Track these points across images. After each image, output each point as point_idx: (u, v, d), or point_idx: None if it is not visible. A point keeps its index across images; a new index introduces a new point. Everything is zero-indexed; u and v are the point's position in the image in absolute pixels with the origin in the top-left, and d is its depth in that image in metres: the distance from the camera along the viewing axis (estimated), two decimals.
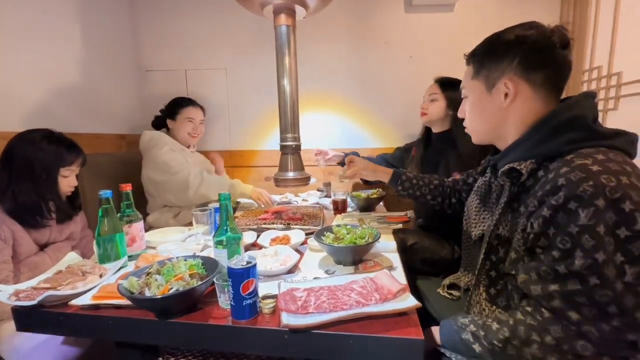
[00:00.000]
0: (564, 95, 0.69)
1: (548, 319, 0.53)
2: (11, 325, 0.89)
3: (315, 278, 0.79)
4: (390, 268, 0.85)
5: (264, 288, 0.74)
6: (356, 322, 0.62)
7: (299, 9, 1.19)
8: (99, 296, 0.70)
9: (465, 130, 0.79)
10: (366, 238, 0.89)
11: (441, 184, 1.07)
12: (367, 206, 1.49)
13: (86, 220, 1.28)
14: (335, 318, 0.61)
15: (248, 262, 0.64)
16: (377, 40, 1.94)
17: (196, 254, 0.83)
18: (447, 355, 0.71)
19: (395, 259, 0.93)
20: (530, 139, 0.63)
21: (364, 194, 1.55)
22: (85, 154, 1.13)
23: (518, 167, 0.62)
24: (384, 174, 1.10)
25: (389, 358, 0.59)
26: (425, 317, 0.98)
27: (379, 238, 0.90)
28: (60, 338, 0.89)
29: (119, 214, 0.94)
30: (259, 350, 0.64)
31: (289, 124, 1.23)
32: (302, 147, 1.38)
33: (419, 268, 1.23)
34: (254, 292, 0.64)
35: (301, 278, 0.81)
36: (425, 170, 1.36)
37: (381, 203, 1.60)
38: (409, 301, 0.66)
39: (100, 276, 0.80)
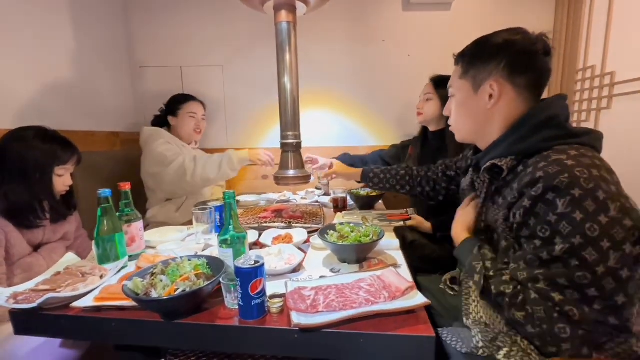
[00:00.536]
0: (555, 94, 0.72)
1: (534, 300, 0.56)
2: (7, 328, 0.87)
3: (321, 277, 0.78)
4: (396, 266, 0.85)
5: (270, 287, 0.73)
6: (365, 320, 0.62)
7: (299, 5, 1.18)
8: (102, 298, 0.69)
9: (450, 129, 0.81)
10: (371, 236, 0.89)
11: (408, 174, 1.15)
12: (367, 204, 1.49)
13: (80, 219, 1.25)
14: (346, 317, 0.61)
15: (256, 262, 0.63)
16: (375, 38, 1.94)
17: (200, 254, 0.82)
18: (451, 344, 0.72)
19: (399, 256, 0.93)
20: (510, 137, 0.67)
21: (363, 191, 1.55)
22: (80, 152, 1.10)
23: (499, 164, 0.66)
24: (356, 174, 1.23)
25: (401, 356, 0.59)
26: (428, 311, 0.99)
27: (383, 236, 0.90)
28: (58, 341, 0.87)
29: (117, 214, 0.92)
30: (268, 351, 0.64)
31: (290, 122, 1.22)
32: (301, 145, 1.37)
33: (418, 265, 1.24)
34: (263, 292, 0.64)
35: (307, 277, 0.80)
36: None
37: (380, 200, 1.60)
38: (418, 299, 0.66)
39: (101, 277, 0.78)
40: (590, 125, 1.67)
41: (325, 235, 0.92)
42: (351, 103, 2.01)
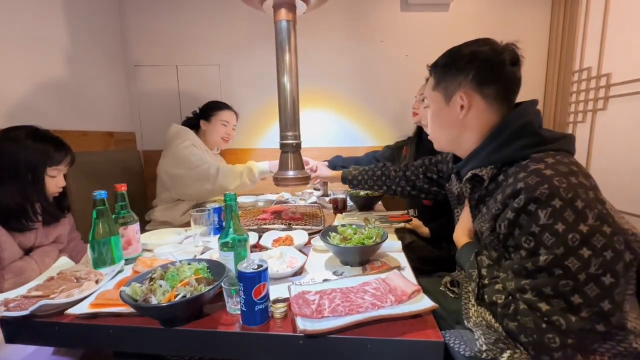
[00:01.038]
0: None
1: (523, 310, 0.57)
2: None
3: (324, 280, 0.77)
4: (399, 268, 0.84)
5: (273, 291, 0.71)
6: (371, 325, 0.61)
7: (299, 4, 1.16)
8: (98, 304, 0.66)
9: (429, 137, 0.83)
10: (374, 238, 0.88)
11: (384, 174, 1.15)
12: (366, 205, 1.48)
13: (73, 222, 1.21)
14: (352, 322, 0.59)
15: (259, 266, 0.61)
16: (373, 38, 1.93)
17: (198, 257, 0.80)
18: (454, 347, 0.71)
19: (402, 258, 0.92)
20: (488, 146, 0.68)
21: (363, 192, 1.53)
22: (73, 152, 1.07)
23: (480, 174, 0.68)
24: (336, 178, 1.28)
25: None
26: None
27: (387, 238, 0.89)
28: (51, 348, 0.84)
29: (113, 216, 0.89)
30: (271, 358, 0.61)
31: (289, 122, 1.20)
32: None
33: (417, 266, 1.23)
34: (266, 297, 0.62)
35: (309, 280, 0.78)
36: None
37: (380, 201, 1.59)
38: (425, 302, 0.65)
39: (97, 282, 0.75)
40: (586, 126, 1.69)
41: (328, 238, 0.90)
42: (349, 103, 2.00)
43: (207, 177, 1.45)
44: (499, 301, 0.60)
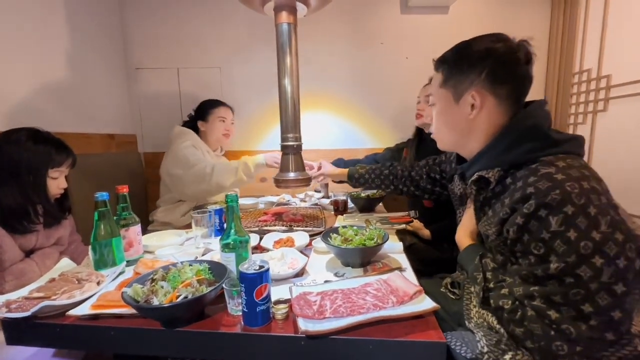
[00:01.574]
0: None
1: (531, 317, 0.56)
2: None
3: (326, 281, 0.77)
4: (401, 269, 0.84)
5: (274, 292, 0.71)
6: (373, 326, 0.61)
7: (300, 7, 1.17)
8: (99, 305, 0.66)
9: (432, 136, 0.80)
10: (375, 239, 0.88)
11: (392, 173, 1.13)
12: (367, 206, 1.48)
13: (74, 224, 1.21)
14: (354, 322, 0.59)
15: (261, 266, 0.61)
16: (373, 40, 1.94)
17: (199, 259, 0.80)
18: (455, 348, 0.70)
19: (403, 259, 0.92)
20: (495, 148, 0.66)
21: (363, 194, 1.54)
22: (75, 154, 1.07)
23: (486, 175, 0.66)
24: (343, 175, 1.25)
25: None
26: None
27: (388, 239, 0.88)
28: (51, 350, 0.84)
29: (115, 217, 0.89)
30: (272, 359, 0.61)
31: (290, 124, 1.20)
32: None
33: (418, 268, 1.23)
34: (268, 298, 0.62)
35: (311, 281, 0.78)
36: None
37: (380, 203, 1.59)
38: (426, 303, 0.65)
39: (98, 283, 0.75)
40: (587, 127, 1.69)
41: (329, 239, 0.90)
42: (350, 105, 2.00)
43: (203, 177, 1.44)
44: (506, 306, 0.59)
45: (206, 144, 1.65)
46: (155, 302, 0.60)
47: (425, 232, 1.30)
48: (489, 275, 0.64)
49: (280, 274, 0.79)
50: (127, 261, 0.90)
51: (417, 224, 1.30)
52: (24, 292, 0.72)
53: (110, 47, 1.83)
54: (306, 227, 1.19)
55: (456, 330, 0.85)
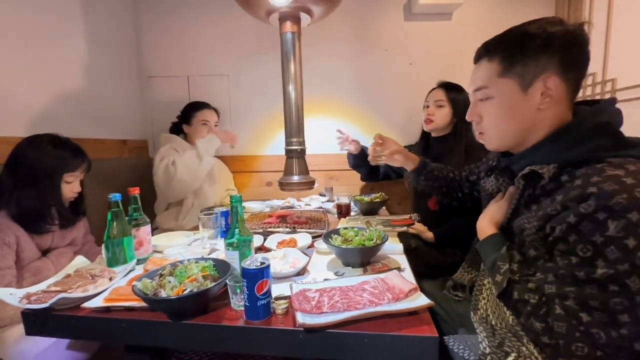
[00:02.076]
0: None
1: (558, 315, 0.54)
2: (17, 330, 0.89)
3: (325, 279, 0.79)
4: (399, 269, 0.86)
5: (275, 290, 0.74)
6: (370, 321, 0.63)
7: (304, 17, 1.22)
8: (111, 299, 0.70)
9: (481, 137, 0.72)
10: (374, 240, 0.90)
11: (454, 178, 1.08)
12: (370, 210, 1.50)
13: (88, 225, 1.27)
14: (350, 317, 0.62)
15: (262, 263, 0.64)
16: (377, 47, 1.98)
17: (206, 257, 0.84)
18: (458, 352, 0.72)
19: (403, 260, 0.94)
20: (555, 142, 0.61)
21: (367, 197, 1.56)
22: (90, 160, 1.13)
23: (540, 171, 0.60)
24: (412, 162, 1.09)
25: (404, 356, 0.60)
26: (433, 317, 0.99)
27: (387, 240, 0.91)
28: (66, 343, 0.88)
29: (127, 218, 0.94)
30: (273, 351, 0.64)
31: (294, 129, 1.25)
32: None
33: (423, 272, 1.24)
34: (268, 293, 0.65)
35: (311, 280, 0.81)
36: None
37: (383, 207, 1.61)
38: (421, 300, 0.67)
39: (110, 279, 0.79)
40: None
41: (330, 239, 0.93)
42: (354, 110, 2.03)
43: (172, 169, 1.47)
44: (532, 300, 0.57)
45: (192, 145, 1.67)
46: (163, 295, 0.64)
47: (429, 235, 1.31)
48: (514, 267, 0.61)
49: (281, 272, 0.82)
50: (138, 260, 0.95)
51: (420, 227, 1.31)
52: (42, 286, 0.77)
53: (125, 57, 1.92)
54: (309, 229, 1.22)
55: (458, 333, 0.86)
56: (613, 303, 0.49)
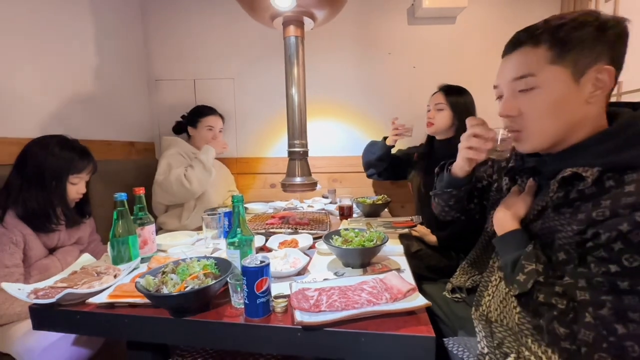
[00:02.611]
0: None
1: (587, 323, 0.52)
2: (23, 326, 0.91)
3: (325, 279, 0.80)
4: (399, 270, 0.86)
5: (275, 289, 0.75)
6: (367, 320, 0.64)
7: (307, 21, 1.23)
8: (115, 295, 0.72)
9: (517, 136, 0.66)
10: (374, 241, 0.91)
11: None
12: (372, 212, 1.51)
13: (94, 225, 1.30)
14: (347, 316, 0.63)
15: (262, 261, 0.66)
16: (380, 51, 1.99)
17: (208, 256, 0.85)
18: (457, 353, 0.72)
19: (403, 262, 0.95)
20: (600, 144, 0.57)
21: (369, 200, 1.57)
22: (96, 161, 1.15)
23: (585, 174, 0.56)
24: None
25: (401, 355, 0.60)
26: (433, 320, 0.99)
27: (387, 241, 0.91)
28: (72, 339, 0.90)
29: (132, 217, 0.96)
30: (272, 348, 0.65)
31: (297, 131, 1.26)
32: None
33: (424, 274, 1.24)
34: (267, 291, 0.66)
35: (311, 279, 0.82)
36: (430, 178, 1.38)
37: (386, 209, 1.62)
38: (419, 300, 0.67)
39: (115, 277, 0.81)
40: None
41: (330, 240, 0.94)
42: (358, 113, 2.05)
43: (184, 180, 1.52)
44: (560, 305, 0.55)
45: (195, 148, 1.73)
46: (165, 291, 0.65)
47: (432, 239, 1.31)
48: (539, 267, 0.59)
49: (282, 272, 0.83)
50: (142, 258, 0.97)
51: (423, 230, 1.31)
52: (49, 282, 0.79)
53: (133, 61, 1.96)
54: (311, 230, 1.23)
55: (457, 336, 0.86)
56: None
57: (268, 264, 0.66)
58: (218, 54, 2.03)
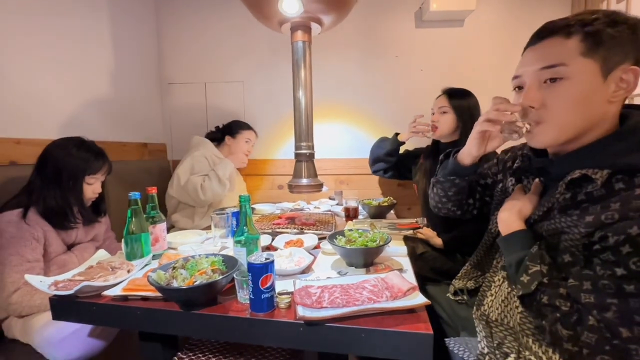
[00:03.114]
0: None
1: (591, 326, 0.52)
2: (43, 317, 0.96)
3: (328, 278, 0.82)
4: (401, 270, 0.88)
5: (280, 286, 0.77)
6: (368, 317, 0.66)
7: (314, 26, 1.27)
8: (129, 288, 0.76)
9: (536, 127, 0.63)
10: (377, 241, 0.93)
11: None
12: (378, 214, 1.52)
13: (110, 222, 1.35)
14: (348, 312, 0.65)
15: (266, 259, 0.68)
16: (388, 54, 2.01)
17: (216, 253, 0.89)
18: (458, 353, 0.73)
19: (406, 263, 0.96)
20: (612, 145, 0.57)
21: (375, 201, 1.58)
22: (111, 162, 1.20)
23: (593, 176, 0.56)
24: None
25: (399, 351, 0.62)
26: (436, 320, 1.00)
27: (390, 241, 0.93)
28: (87, 331, 0.95)
29: (144, 215, 1.00)
30: (275, 342, 0.68)
31: (304, 133, 1.29)
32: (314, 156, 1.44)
33: (429, 276, 1.25)
34: (272, 287, 0.69)
35: (315, 278, 0.84)
36: None
37: (392, 211, 1.63)
38: (419, 299, 0.69)
39: (128, 271, 0.85)
40: None
41: (334, 240, 0.96)
42: (364, 116, 2.07)
43: (200, 188, 1.62)
44: (563, 308, 0.55)
45: (223, 154, 1.83)
46: (175, 285, 0.69)
47: (437, 241, 1.31)
48: (544, 269, 0.59)
49: (287, 270, 0.86)
50: (153, 255, 1.01)
51: (429, 232, 1.32)
52: (68, 275, 0.84)
53: (147, 65, 2.04)
54: (317, 230, 1.25)
55: (460, 336, 0.87)
56: None
57: (272, 261, 0.68)
58: (228, 58, 2.09)
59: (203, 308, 0.71)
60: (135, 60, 1.92)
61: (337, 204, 1.83)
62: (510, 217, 0.68)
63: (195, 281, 0.70)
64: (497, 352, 0.66)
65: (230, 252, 1.01)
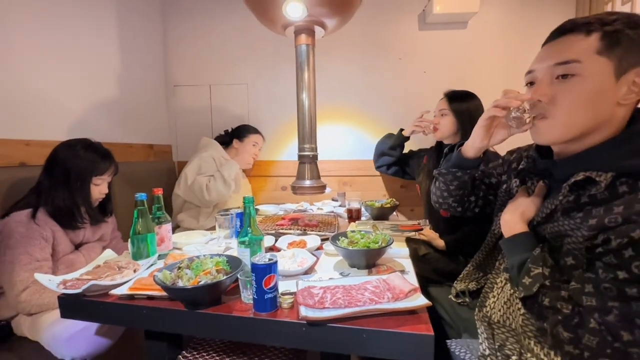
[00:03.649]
0: None
1: (592, 329, 0.52)
2: (51, 315, 0.98)
3: (330, 279, 0.83)
4: (403, 272, 0.89)
5: (283, 286, 0.79)
6: (369, 318, 0.67)
7: (318, 30, 1.28)
8: (135, 287, 0.78)
9: (542, 122, 0.63)
10: (379, 243, 0.93)
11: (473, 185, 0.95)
12: (381, 215, 1.53)
13: (116, 222, 1.37)
14: (350, 313, 0.66)
15: (270, 259, 0.70)
16: (391, 56, 2.02)
17: (220, 253, 0.90)
18: (459, 355, 0.74)
19: (408, 264, 0.97)
20: (617, 148, 0.57)
21: (377, 203, 1.59)
22: (118, 163, 1.23)
23: (597, 179, 0.56)
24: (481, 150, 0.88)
25: (400, 352, 0.63)
26: (438, 322, 1.00)
27: (392, 243, 0.94)
28: (94, 329, 0.97)
29: (150, 216, 1.02)
30: (278, 342, 0.69)
31: (307, 135, 1.30)
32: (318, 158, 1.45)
33: (431, 278, 1.25)
34: (275, 287, 0.70)
35: (317, 279, 0.85)
36: None
37: (394, 212, 1.63)
38: (420, 300, 0.70)
39: (134, 271, 0.87)
40: None
41: (336, 241, 0.97)
42: (367, 118, 2.08)
43: (205, 189, 1.66)
44: (565, 310, 0.55)
45: (230, 156, 1.86)
46: (180, 285, 0.70)
47: (440, 243, 1.32)
48: (546, 271, 0.59)
49: (289, 270, 0.87)
50: (159, 255, 1.02)
51: (431, 234, 1.32)
52: (76, 274, 0.85)
53: (153, 67, 2.07)
54: (320, 231, 1.26)
55: (461, 338, 0.88)
56: None
57: (276, 262, 0.70)
58: (233, 60, 2.11)
59: (207, 307, 0.72)
60: (142, 63, 1.95)
61: (340, 206, 1.84)
62: (513, 219, 0.69)
63: (200, 281, 0.71)
64: (498, 354, 0.66)
65: (234, 252, 1.02)
